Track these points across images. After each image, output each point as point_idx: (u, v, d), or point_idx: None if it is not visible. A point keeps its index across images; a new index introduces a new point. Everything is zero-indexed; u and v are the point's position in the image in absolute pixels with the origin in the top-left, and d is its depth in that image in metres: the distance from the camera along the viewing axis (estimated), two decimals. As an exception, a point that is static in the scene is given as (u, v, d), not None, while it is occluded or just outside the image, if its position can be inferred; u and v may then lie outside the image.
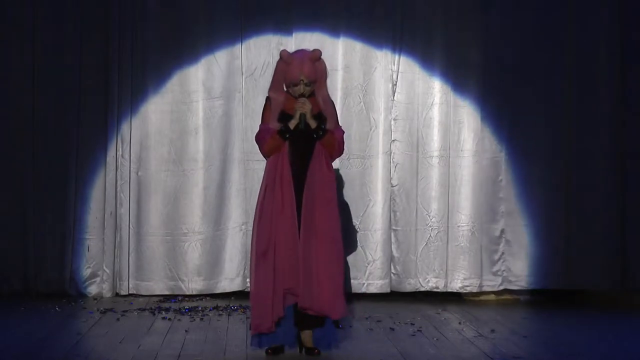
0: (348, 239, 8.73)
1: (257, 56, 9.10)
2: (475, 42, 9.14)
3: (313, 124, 6.39)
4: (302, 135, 6.39)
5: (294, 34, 9.03)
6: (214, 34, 9.07)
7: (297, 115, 6.38)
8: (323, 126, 6.39)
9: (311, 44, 8.42)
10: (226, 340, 7.06)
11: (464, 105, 9.15)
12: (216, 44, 9.08)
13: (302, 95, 6.39)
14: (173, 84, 9.11)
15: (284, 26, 9.06)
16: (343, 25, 9.11)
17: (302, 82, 6.37)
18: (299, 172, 6.36)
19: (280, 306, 6.30)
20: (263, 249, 6.31)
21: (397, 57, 9.13)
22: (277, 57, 6.61)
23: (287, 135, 6.37)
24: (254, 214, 6.50)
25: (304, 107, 6.36)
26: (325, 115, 6.43)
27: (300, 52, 6.55)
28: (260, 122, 6.54)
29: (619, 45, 9.13)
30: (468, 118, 9.17)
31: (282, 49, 7.55)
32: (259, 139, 6.46)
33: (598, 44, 9.13)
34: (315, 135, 6.39)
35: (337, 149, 6.48)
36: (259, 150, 6.54)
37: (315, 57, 6.41)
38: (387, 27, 9.13)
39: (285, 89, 6.47)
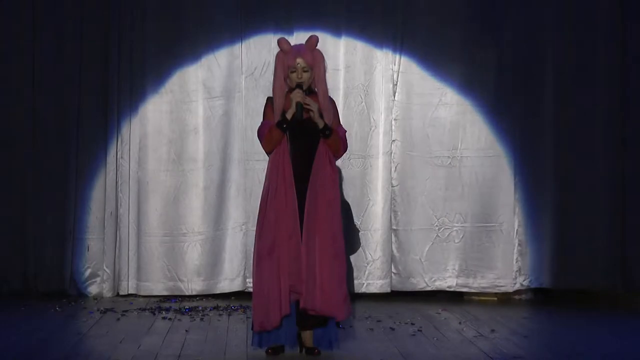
0: (350, 239, 8.74)
1: (257, 56, 9.10)
2: (477, 41, 9.14)
3: (321, 123, 6.37)
4: (303, 135, 6.37)
5: (294, 34, 9.01)
6: (214, 34, 9.07)
7: (294, 105, 6.36)
8: (329, 125, 6.38)
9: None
10: (226, 340, 7.06)
11: (468, 105, 9.15)
12: (216, 44, 9.08)
13: (299, 84, 6.37)
14: (173, 84, 9.11)
15: (285, 25, 9.05)
16: (344, 24, 9.11)
17: (299, 65, 6.36)
18: (301, 172, 6.35)
19: (287, 303, 6.30)
20: (268, 248, 6.30)
21: (397, 56, 9.13)
22: (277, 57, 6.61)
23: (285, 126, 6.36)
24: (256, 213, 6.48)
25: (299, 96, 6.33)
26: (321, 111, 6.41)
27: (298, 43, 6.58)
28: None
29: (619, 45, 9.13)
30: (472, 118, 9.16)
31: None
32: (260, 133, 6.46)
33: (598, 44, 9.13)
34: (321, 135, 6.38)
35: (342, 146, 6.48)
36: (259, 150, 6.54)
37: (312, 44, 6.42)
38: (388, 26, 9.12)
39: (286, 87, 6.44)
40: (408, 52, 9.16)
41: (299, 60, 6.37)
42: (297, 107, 6.34)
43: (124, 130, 9.08)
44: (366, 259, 9.09)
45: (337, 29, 9.11)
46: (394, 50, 9.13)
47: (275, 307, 6.27)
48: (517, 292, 9.23)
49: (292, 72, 6.39)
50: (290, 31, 9.02)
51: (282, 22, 9.07)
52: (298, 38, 8.90)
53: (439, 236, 9.15)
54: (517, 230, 9.15)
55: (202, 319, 7.97)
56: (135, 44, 9.08)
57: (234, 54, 9.11)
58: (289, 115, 6.36)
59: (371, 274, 9.10)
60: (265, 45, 9.08)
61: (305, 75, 6.40)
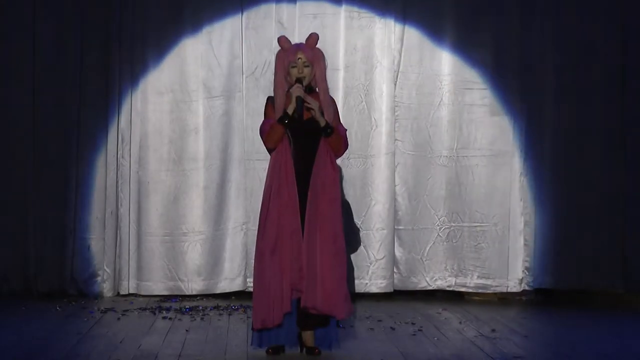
0: (351, 238, 8.74)
1: (258, 55, 9.11)
2: (477, 41, 9.14)
3: (322, 121, 6.38)
4: (305, 133, 6.38)
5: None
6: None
7: (294, 100, 6.36)
8: (330, 123, 6.38)
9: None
10: (227, 340, 7.06)
11: (468, 104, 9.15)
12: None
13: (300, 79, 6.38)
14: (173, 83, 9.11)
15: None
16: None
17: (300, 60, 6.37)
18: (303, 171, 6.36)
19: (288, 301, 6.31)
20: (270, 246, 6.31)
21: (398, 56, 9.13)
22: (278, 57, 6.61)
23: (286, 121, 6.36)
24: (257, 213, 6.49)
25: (299, 90, 6.34)
26: (322, 109, 6.41)
27: (297, 42, 6.61)
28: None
29: (619, 45, 9.13)
30: (472, 117, 9.16)
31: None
32: (261, 131, 6.47)
33: (598, 44, 9.13)
34: (323, 133, 6.38)
35: (343, 145, 6.48)
36: (259, 149, 6.55)
37: (312, 41, 6.45)
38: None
39: (287, 85, 6.44)
40: (409, 45, 9.15)
41: (300, 55, 6.39)
42: (297, 102, 6.34)
43: (124, 130, 9.08)
44: (369, 258, 9.09)
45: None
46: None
47: (277, 304, 6.28)
48: (517, 292, 9.22)
49: (293, 67, 6.40)
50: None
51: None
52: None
53: (440, 235, 9.15)
54: (518, 230, 9.15)
55: (202, 319, 7.97)
56: (136, 44, 9.06)
57: (235, 53, 9.11)
58: (289, 111, 6.36)
59: (374, 274, 9.09)
60: (266, 44, 9.08)
61: (306, 70, 6.41)
